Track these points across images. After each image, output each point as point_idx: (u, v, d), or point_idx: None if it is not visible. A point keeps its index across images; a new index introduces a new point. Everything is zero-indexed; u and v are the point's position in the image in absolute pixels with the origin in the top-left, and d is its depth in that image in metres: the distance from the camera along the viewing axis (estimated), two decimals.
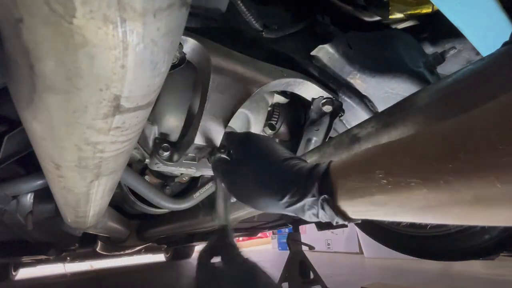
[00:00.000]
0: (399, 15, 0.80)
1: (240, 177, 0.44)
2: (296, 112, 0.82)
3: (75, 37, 0.21)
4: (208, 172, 0.80)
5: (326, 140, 0.75)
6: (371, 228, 1.49)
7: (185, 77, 0.65)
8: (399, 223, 1.37)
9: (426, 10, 0.78)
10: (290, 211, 0.38)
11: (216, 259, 0.47)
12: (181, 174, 1.00)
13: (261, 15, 0.62)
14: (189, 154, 0.66)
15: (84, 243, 1.68)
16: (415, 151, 0.26)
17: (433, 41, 0.86)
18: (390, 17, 0.79)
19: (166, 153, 0.66)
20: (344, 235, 3.42)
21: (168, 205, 0.96)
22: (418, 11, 0.79)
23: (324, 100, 0.71)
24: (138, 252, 2.69)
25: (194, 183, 1.10)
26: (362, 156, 0.32)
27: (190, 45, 0.54)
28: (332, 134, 0.78)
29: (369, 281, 1.72)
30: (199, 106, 0.59)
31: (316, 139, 0.76)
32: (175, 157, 0.67)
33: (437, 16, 0.69)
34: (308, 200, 0.36)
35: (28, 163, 0.89)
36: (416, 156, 0.26)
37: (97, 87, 0.26)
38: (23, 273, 2.87)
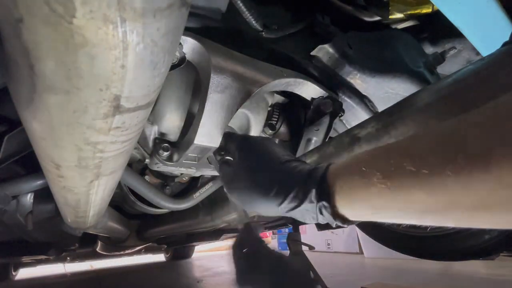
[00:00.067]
0: (399, 15, 0.80)
1: (239, 181, 0.44)
2: (296, 112, 0.82)
3: (75, 37, 0.21)
4: (208, 172, 0.80)
5: (326, 140, 0.75)
6: (371, 228, 1.49)
7: (185, 77, 0.65)
8: (399, 224, 1.36)
9: (426, 10, 0.78)
10: (289, 215, 0.38)
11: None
12: (181, 174, 1.00)
13: (261, 15, 0.62)
14: (189, 154, 0.66)
15: (84, 243, 1.68)
16: (413, 155, 0.26)
17: (433, 41, 0.86)
18: (390, 17, 0.79)
19: (166, 153, 0.66)
20: (344, 235, 3.42)
21: (168, 205, 0.96)
22: (418, 11, 0.79)
23: (324, 100, 0.70)
24: (138, 252, 2.69)
25: (194, 183, 1.10)
26: (360, 159, 0.32)
27: (190, 45, 0.54)
28: (332, 134, 0.78)
29: (369, 281, 1.72)
30: (199, 106, 0.59)
31: (316, 139, 0.76)
32: (175, 157, 0.67)
33: (437, 16, 0.69)
34: (307, 205, 0.36)
35: (28, 163, 0.89)
36: (414, 160, 0.26)
37: (97, 87, 0.26)
38: (23, 273, 2.87)
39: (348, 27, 0.78)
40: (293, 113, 0.82)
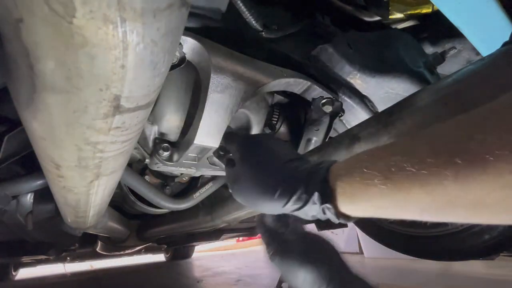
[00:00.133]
0: (399, 15, 0.80)
1: (242, 181, 0.44)
2: (296, 112, 0.82)
3: (75, 37, 0.21)
4: (208, 172, 0.80)
5: (326, 140, 0.75)
6: (371, 228, 1.49)
7: (185, 77, 0.65)
8: (399, 224, 1.37)
9: (426, 10, 0.78)
10: (294, 214, 0.39)
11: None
12: (181, 174, 1.00)
13: (261, 15, 0.62)
14: (189, 154, 0.66)
15: (84, 243, 1.68)
16: (414, 157, 0.27)
17: (433, 41, 0.86)
18: (390, 17, 0.79)
19: (166, 153, 0.66)
20: (344, 235, 3.42)
21: (168, 205, 0.96)
22: (418, 11, 0.79)
23: (324, 100, 0.70)
24: (138, 252, 2.69)
25: (194, 183, 1.10)
26: (361, 159, 0.33)
27: (190, 45, 0.54)
28: (332, 134, 0.78)
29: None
30: (199, 106, 0.59)
31: (316, 139, 0.76)
32: (175, 157, 0.67)
33: (437, 16, 0.69)
34: (310, 207, 0.37)
35: (28, 163, 0.89)
36: (414, 161, 0.26)
37: (97, 87, 0.26)
38: (23, 273, 2.86)
39: (348, 27, 0.78)
40: (293, 113, 0.82)
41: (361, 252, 3.13)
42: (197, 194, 1.01)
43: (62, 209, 0.78)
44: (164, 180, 1.01)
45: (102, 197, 0.64)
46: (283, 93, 0.77)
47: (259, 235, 0.49)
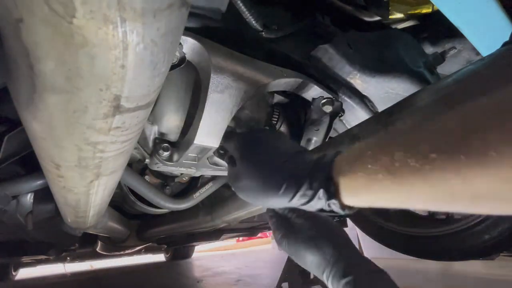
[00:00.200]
0: (399, 15, 0.80)
1: (244, 179, 0.44)
2: (296, 112, 0.82)
3: (75, 37, 0.21)
4: (208, 172, 0.80)
5: (326, 140, 0.75)
6: (371, 228, 1.49)
7: (185, 77, 0.65)
8: (399, 224, 1.37)
9: (426, 10, 0.78)
10: (299, 207, 0.40)
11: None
12: (181, 174, 1.00)
13: (261, 15, 0.62)
14: (189, 154, 0.66)
15: (84, 243, 1.68)
16: (417, 152, 0.27)
17: (433, 41, 0.86)
18: (390, 17, 0.79)
19: (166, 153, 0.66)
20: None
21: (168, 205, 0.96)
22: (418, 11, 0.79)
23: (324, 100, 0.70)
24: (138, 252, 2.69)
25: (194, 183, 1.10)
26: (364, 154, 0.33)
27: (190, 45, 0.54)
28: (332, 134, 0.78)
29: None
30: (199, 106, 0.59)
31: (316, 139, 0.75)
32: (175, 157, 0.67)
33: (437, 16, 0.69)
34: (316, 202, 0.37)
35: (28, 163, 0.89)
36: (417, 156, 0.27)
37: (97, 87, 0.26)
38: (23, 273, 2.87)
39: (348, 27, 0.78)
40: (293, 113, 0.82)
41: (361, 252, 3.13)
42: (197, 194, 1.01)
43: (62, 209, 0.78)
44: (164, 180, 1.01)
45: (102, 197, 0.64)
46: (283, 93, 0.77)
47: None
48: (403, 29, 0.83)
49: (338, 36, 0.72)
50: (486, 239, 1.08)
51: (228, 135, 0.60)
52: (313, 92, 0.71)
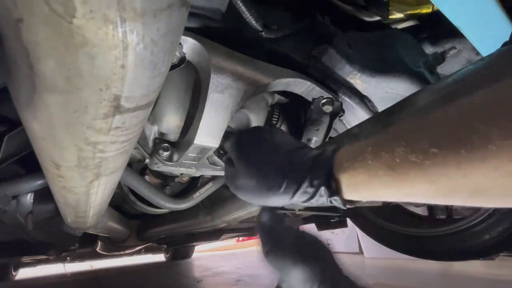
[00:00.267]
0: (399, 15, 0.80)
1: (242, 179, 0.44)
2: (296, 112, 0.82)
3: (75, 37, 0.21)
4: (208, 172, 0.80)
5: (326, 140, 0.75)
6: (371, 228, 1.49)
7: (185, 77, 0.65)
8: (399, 224, 1.37)
9: (426, 10, 0.78)
10: (301, 204, 0.40)
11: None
12: (181, 174, 1.00)
13: (261, 15, 0.62)
14: (189, 154, 0.66)
15: (84, 243, 1.68)
16: (417, 147, 0.27)
17: (433, 41, 0.86)
18: (390, 17, 0.79)
19: (166, 153, 0.66)
20: (344, 235, 3.42)
21: (168, 205, 0.96)
22: (418, 11, 0.79)
23: (324, 100, 0.70)
24: (138, 252, 2.69)
25: (194, 183, 1.10)
26: (364, 151, 0.33)
27: (190, 45, 0.54)
28: (332, 134, 0.78)
29: (369, 281, 1.72)
30: (199, 106, 0.59)
31: (316, 139, 0.75)
32: (175, 157, 0.67)
33: (437, 16, 0.69)
34: (318, 198, 0.38)
35: (28, 163, 0.89)
36: (418, 152, 0.27)
37: (97, 87, 0.26)
38: (23, 273, 2.87)
39: (348, 27, 0.78)
40: (293, 113, 0.82)
41: (361, 252, 3.13)
42: (197, 194, 1.01)
43: (62, 209, 0.78)
44: (164, 180, 1.01)
45: (102, 197, 0.64)
46: (283, 93, 0.77)
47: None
48: (403, 29, 0.84)
49: (338, 36, 0.72)
50: (486, 239, 1.08)
51: (225, 134, 0.60)
52: (313, 92, 0.71)
